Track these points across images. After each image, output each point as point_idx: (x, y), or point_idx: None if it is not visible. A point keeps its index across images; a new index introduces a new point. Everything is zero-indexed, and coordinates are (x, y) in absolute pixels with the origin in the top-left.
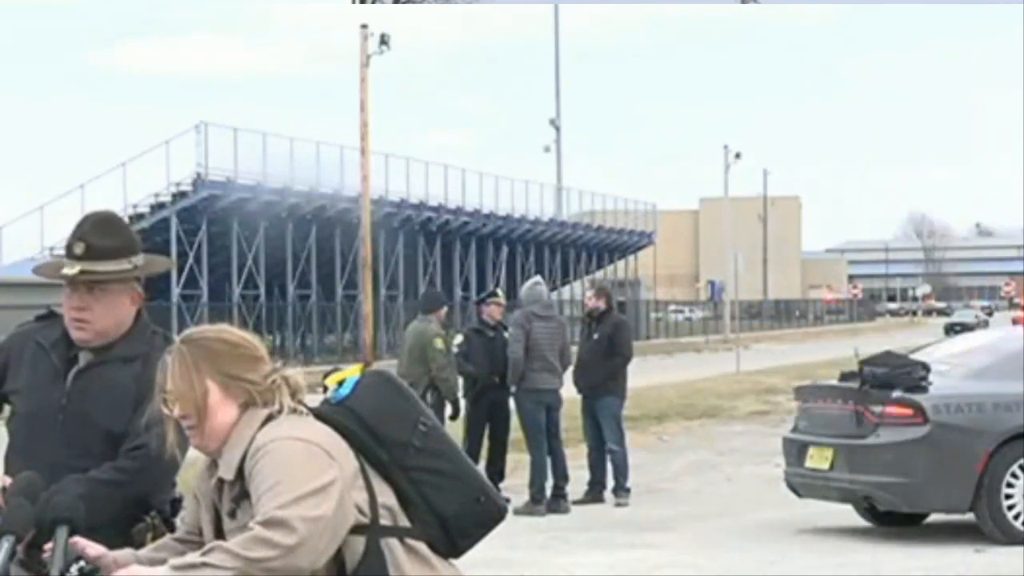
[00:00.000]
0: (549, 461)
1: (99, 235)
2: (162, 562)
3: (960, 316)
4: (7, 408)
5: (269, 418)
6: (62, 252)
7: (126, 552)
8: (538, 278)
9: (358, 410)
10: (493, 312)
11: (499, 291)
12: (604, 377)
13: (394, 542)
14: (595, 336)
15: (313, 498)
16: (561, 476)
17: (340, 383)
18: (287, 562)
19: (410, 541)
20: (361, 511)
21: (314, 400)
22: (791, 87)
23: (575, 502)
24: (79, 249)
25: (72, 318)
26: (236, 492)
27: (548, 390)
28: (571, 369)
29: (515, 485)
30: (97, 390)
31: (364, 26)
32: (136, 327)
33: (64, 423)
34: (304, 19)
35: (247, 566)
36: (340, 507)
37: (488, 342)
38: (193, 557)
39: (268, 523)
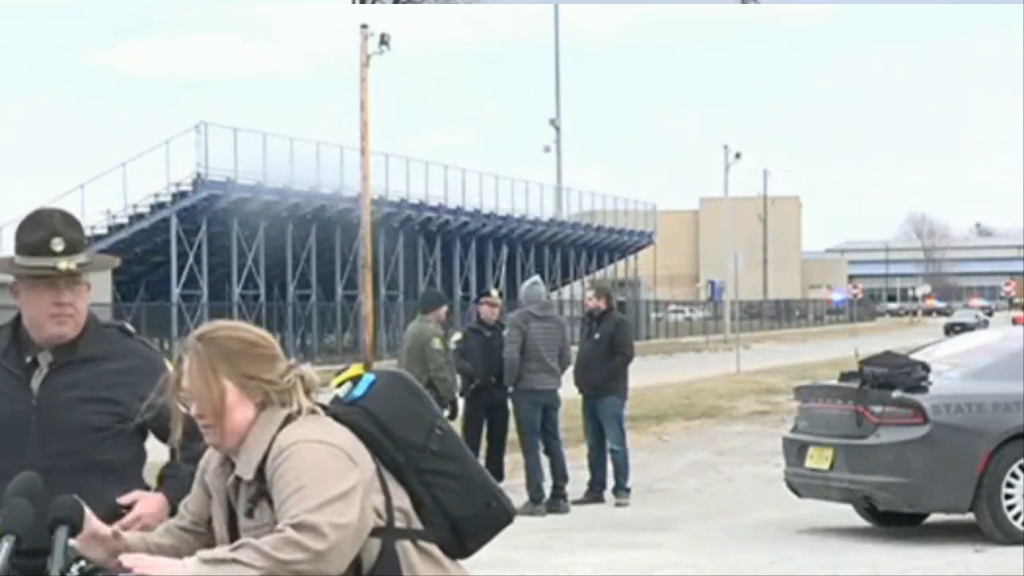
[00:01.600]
0: (548, 461)
1: (72, 230)
2: (174, 550)
3: (960, 316)
4: None
5: (288, 418)
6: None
7: (135, 537)
8: (537, 278)
9: (375, 412)
10: (485, 312)
11: (492, 291)
12: (606, 377)
13: (408, 544)
14: (596, 336)
15: (339, 503)
16: (560, 476)
17: (351, 382)
18: (316, 567)
19: (422, 543)
20: (378, 514)
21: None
22: (791, 87)
23: (575, 502)
24: (60, 245)
25: (54, 313)
26: (254, 492)
27: (545, 391)
28: (571, 369)
29: (515, 485)
30: (69, 390)
31: (364, 26)
32: (91, 323)
33: (38, 425)
34: (304, 19)
35: (276, 567)
36: (362, 512)
37: (485, 342)
38: (223, 552)
39: (299, 527)
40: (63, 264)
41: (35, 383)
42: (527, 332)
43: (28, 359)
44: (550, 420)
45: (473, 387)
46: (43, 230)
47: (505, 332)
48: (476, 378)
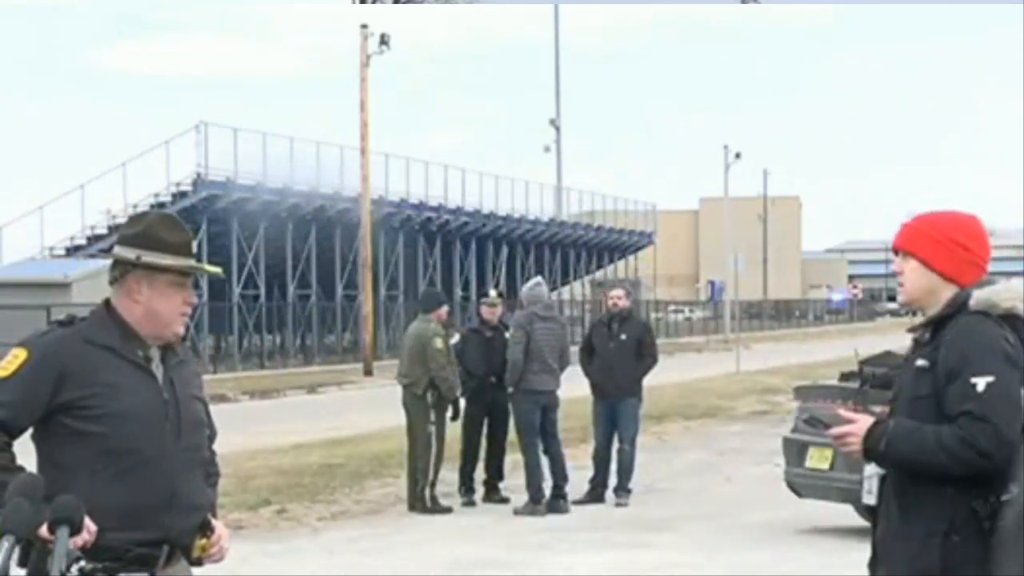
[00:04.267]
0: (548, 462)
1: None
2: None
3: None
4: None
5: None
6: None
7: None
8: (539, 279)
9: None
10: (485, 312)
11: (491, 292)
12: (635, 379)
13: None
14: (623, 337)
15: None
16: (560, 476)
17: None
18: None
19: None
20: None
21: (311, 399)
22: (791, 87)
23: (575, 502)
24: (194, 248)
25: (185, 312)
26: None
27: (545, 391)
28: (587, 370)
29: (515, 485)
30: (182, 387)
31: (364, 26)
32: None
33: (172, 419)
34: (304, 19)
35: None
36: None
37: (485, 342)
38: None
39: None
40: (212, 268)
41: (160, 376)
42: (531, 333)
43: (140, 353)
44: (549, 420)
45: (472, 388)
46: (182, 232)
47: (508, 333)
48: (473, 378)
